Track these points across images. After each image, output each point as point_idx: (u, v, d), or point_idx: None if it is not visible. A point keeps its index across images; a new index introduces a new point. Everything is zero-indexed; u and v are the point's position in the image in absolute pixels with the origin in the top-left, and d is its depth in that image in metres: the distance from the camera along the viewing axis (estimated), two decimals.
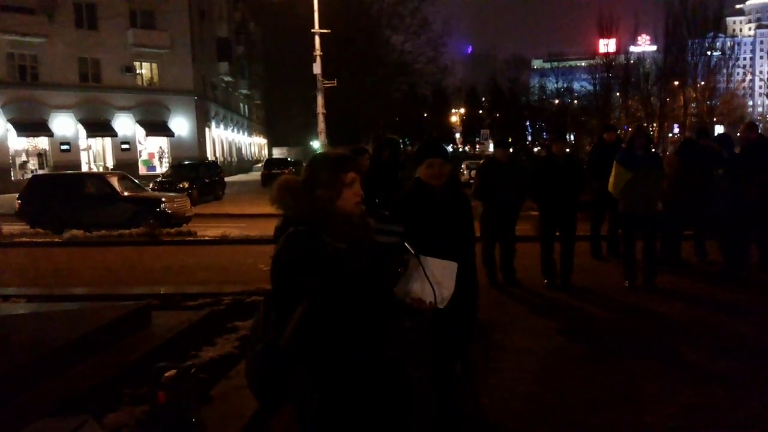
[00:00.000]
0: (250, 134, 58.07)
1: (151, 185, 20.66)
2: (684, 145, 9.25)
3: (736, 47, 60.09)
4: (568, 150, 8.41)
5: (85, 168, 32.71)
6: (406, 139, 48.81)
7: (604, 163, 7.99)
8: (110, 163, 34.70)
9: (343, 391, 2.05)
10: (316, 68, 26.29)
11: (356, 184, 2.19)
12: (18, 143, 32.09)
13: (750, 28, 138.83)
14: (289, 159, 40.72)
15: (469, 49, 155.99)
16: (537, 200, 7.54)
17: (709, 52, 52.03)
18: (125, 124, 35.05)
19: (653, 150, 8.26)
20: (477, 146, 76.96)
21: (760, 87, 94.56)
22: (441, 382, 3.27)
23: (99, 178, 15.51)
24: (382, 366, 2.14)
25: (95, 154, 35.21)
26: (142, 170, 34.82)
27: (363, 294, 2.07)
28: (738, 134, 9.84)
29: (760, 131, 8.67)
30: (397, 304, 2.27)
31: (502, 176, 7.43)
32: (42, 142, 32.83)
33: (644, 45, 69.70)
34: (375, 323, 2.13)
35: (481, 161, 10.68)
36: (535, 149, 71.65)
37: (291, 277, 2.03)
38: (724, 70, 54.82)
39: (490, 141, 68.14)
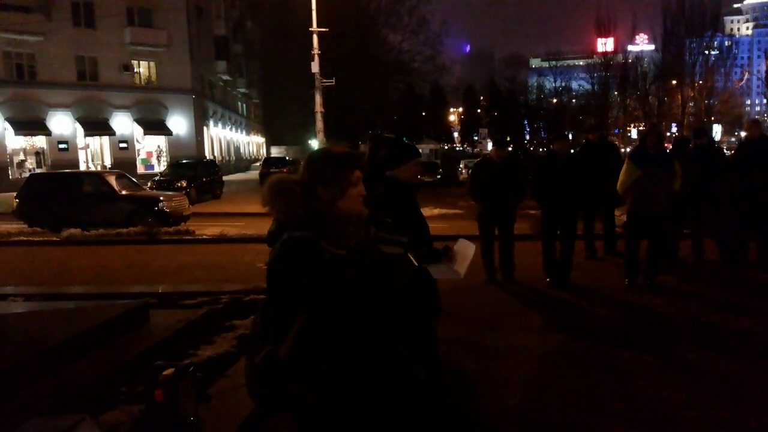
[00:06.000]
0: (248, 133, 57.99)
1: (149, 184, 20.65)
2: (677, 144, 9.25)
3: (733, 46, 60.16)
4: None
5: (83, 167, 32.66)
6: (404, 138, 48.71)
7: (590, 162, 8.01)
8: (108, 162, 34.62)
9: (346, 403, 1.99)
10: (314, 67, 26.26)
11: (361, 184, 2.10)
12: (16, 142, 32.02)
13: (748, 28, 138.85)
14: (287, 158, 40.68)
15: (467, 48, 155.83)
16: (538, 199, 7.55)
17: (706, 51, 52.15)
18: (123, 123, 34.99)
19: (666, 150, 8.19)
20: (476, 146, 76.99)
21: (758, 86, 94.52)
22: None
23: (97, 177, 15.48)
24: (385, 371, 2.07)
25: (93, 153, 35.14)
26: (140, 169, 34.74)
27: (363, 301, 1.98)
28: (742, 132, 9.86)
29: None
30: (400, 310, 2.21)
31: (496, 176, 7.45)
32: (40, 141, 32.76)
33: (642, 44, 69.73)
34: (377, 329, 2.06)
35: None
36: (539, 148, 71.69)
37: (288, 286, 1.95)
38: (722, 69, 54.92)
39: (489, 140, 68.29)
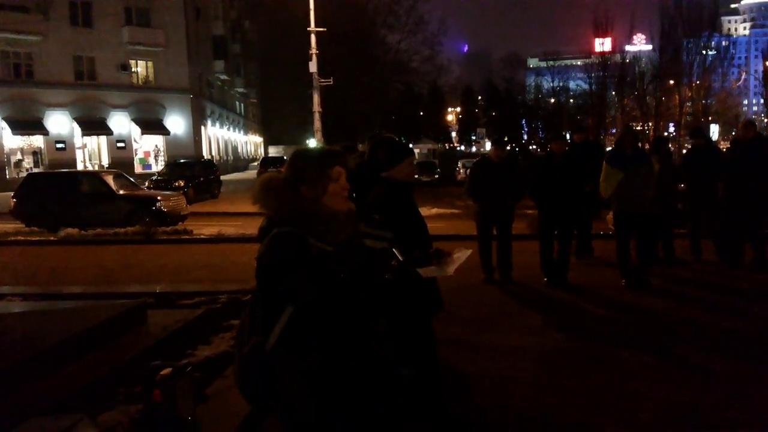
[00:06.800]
0: (246, 133, 57.91)
1: (146, 184, 20.63)
2: (655, 142, 9.21)
3: (731, 46, 60.28)
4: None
5: (80, 166, 32.58)
6: (402, 138, 48.91)
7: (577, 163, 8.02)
8: (106, 162, 34.53)
9: (335, 396, 2.01)
10: (312, 67, 26.28)
11: (342, 179, 2.13)
12: (13, 141, 31.96)
13: (745, 28, 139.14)
14: (285, 158, 40.60)
15: (465, 48, 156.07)
16: (536, 199, 7.56)
17: (704, 52, 52.23)
18: (121, 123, 34.91)
19: (641, 148, 8.22)
20: (474, 145, 77.02)
21: (755, 86, 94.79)
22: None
23: (94, 177, 15.48)
24: (375, 368, 2.09)
25: (91, 153, 35.06)
26: (138, 169, 34.69)
27: (349, 297, 2.02)
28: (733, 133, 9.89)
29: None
30: (388, 304, 2.22)
31: (494, 175, 7.45)
32: (37, 141, 32.70)
33: (640, 44, 69.86)
34: (364, 325, 2.08)
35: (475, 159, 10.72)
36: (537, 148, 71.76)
37: (275, 280, 2.00)
38: (719, 70, 55.02)
39: (487, 140, 68.41)
